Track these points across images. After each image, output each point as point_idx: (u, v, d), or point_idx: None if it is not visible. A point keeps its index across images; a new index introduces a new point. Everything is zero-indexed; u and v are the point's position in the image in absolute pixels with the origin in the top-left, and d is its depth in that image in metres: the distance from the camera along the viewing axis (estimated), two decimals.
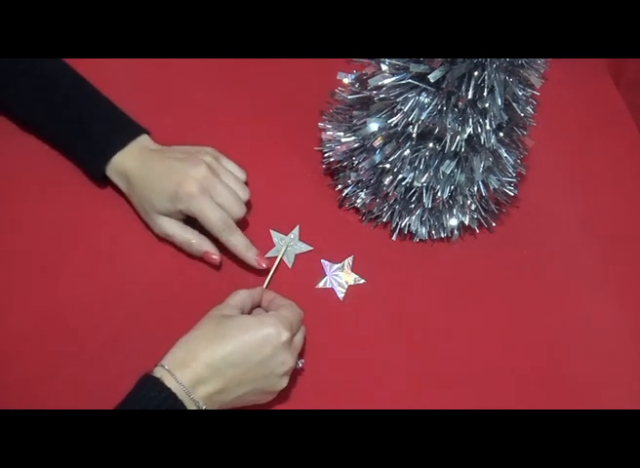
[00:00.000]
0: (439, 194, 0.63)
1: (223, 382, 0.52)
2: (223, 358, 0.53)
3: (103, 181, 0.65)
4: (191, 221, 0.63)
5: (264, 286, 0.63)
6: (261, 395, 0.56)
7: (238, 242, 0.63)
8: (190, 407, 0.51)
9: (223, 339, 0.53)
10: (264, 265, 0.63)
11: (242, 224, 0.65)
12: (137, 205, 0.64)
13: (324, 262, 0.66)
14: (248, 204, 0.65)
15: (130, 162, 0.63)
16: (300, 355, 0.59)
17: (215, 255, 0.63)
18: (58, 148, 0.67)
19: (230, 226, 0.62)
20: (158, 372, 0.52)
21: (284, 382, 0.56)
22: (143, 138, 0.65)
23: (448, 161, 0.61)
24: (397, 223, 0.68)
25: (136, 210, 0.65)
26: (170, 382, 0.51)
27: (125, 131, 0.64)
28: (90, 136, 0.63)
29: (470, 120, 0.57)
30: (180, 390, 0.51)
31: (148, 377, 0.52)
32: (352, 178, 0.66)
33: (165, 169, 0.62)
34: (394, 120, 0.58)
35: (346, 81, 0.66)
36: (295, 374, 0.59)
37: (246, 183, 0.67)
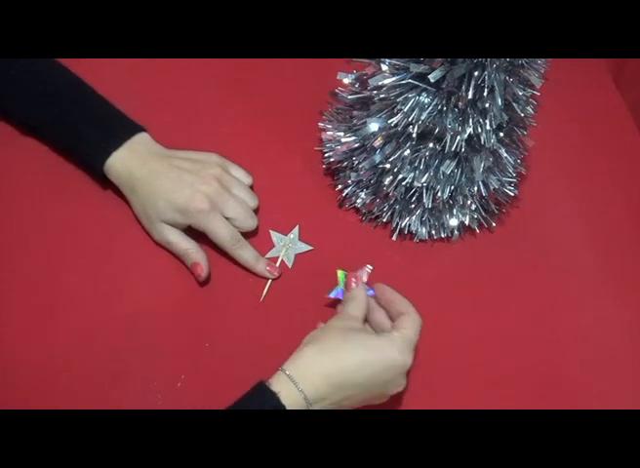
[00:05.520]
0: (439, 194, 0.63)
1: (341, 398, 0.53)
2: (347, 377, 0.52)
3: (105, 182, 0.64)
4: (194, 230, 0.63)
5: (265, 288, 0.63)
6: (364, 403, 0.55)
7: (248, 256, 0.63)
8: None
9: (348, 357, 0.53)
10: (276, 274, 0.64)
11: None
12: (139, 209, 0.63)
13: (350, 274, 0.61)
14: None
15: (129, 161, 0.62)
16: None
17: (203, 272, 0.61)
18: (56, 150, 0.66)
19: (240, 241, 0.63)
20: (276, 385, 0.51)
21: (391, 394, 0.56)
22: (141, 137, 0.64)
23: (448, 161, 0.61)
24: (397, 223, 0.68)
25: (136, 213, 0.64)
26: (288, 395, 0.50)
27: (121, 130, 0.63)
28: (86, 136, 0.62)
29: (470, 120, 0.57)
30: (300, 402, 0.51)
31: (264, 389, 0.51)
32: (352, 178, 0.66)
33: (175, 179, 0.61)
34: (394, 120, 0.58)
35: (346, 81, 0.66)
36: None
37: (251, 187, 0.67)
